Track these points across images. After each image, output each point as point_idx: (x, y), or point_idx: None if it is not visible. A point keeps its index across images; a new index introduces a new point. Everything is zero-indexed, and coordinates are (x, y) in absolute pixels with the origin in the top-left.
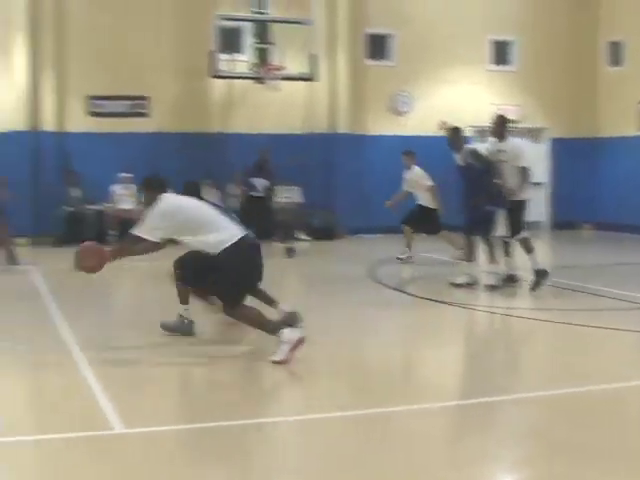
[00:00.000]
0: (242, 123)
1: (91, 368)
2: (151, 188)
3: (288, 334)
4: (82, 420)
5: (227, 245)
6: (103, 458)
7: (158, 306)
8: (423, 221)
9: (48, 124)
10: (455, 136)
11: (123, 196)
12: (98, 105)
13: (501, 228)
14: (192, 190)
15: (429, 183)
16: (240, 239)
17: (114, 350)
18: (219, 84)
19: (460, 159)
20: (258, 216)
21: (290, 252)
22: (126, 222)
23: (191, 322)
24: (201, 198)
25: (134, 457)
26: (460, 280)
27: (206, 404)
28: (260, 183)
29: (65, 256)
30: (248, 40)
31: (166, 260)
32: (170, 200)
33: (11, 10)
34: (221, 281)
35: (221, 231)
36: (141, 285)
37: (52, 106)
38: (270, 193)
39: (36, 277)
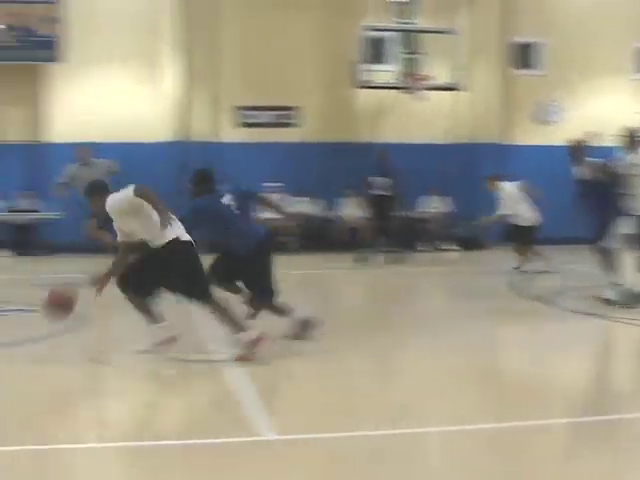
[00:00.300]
0: (388, 132)
1: (243, 373)
2: (99, 193)
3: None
4: (232, 426)
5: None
6: (251, 466)
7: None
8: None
9: (197, 134)
10: (578, 149)
11: None
12: (247, 116)
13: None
14: (205, 177)
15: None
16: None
17: (268, 355)
18: (365, 94)
19: (583, 173)
20: (383, 215)
21: (361, 260)
22: (276, 230)
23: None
24: (214, 186)
25: (283, 465)
26: (607, 294)
27: (351, 412)
28: (380, 182)
29: None
30: (393, 50)
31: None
32: (119, 195)
33: (158, 23)
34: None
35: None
36: (295, 290)
37: (202, 117)
38: (394, 192)
39: None
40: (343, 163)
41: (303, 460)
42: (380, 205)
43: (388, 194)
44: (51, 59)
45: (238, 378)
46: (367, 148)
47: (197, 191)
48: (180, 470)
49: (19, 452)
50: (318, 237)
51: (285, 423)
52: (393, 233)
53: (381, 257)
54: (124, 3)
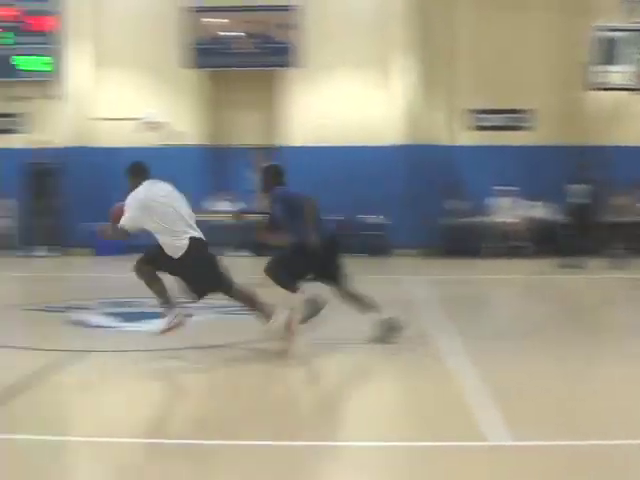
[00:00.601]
0: (622, 135)
1: (472, 378)
2: (133, 174)
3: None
4: (457, 429)
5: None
6: (484, 472)
7: (539, 317)
8: None
9: (429, 138)
10: None
11: (504, 209)
12: (480, 119)
13: None
14: (278, 171)
15: None
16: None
17: (496, 360)
18: (599, 96)
19: None
20: (583, 223)
21: (569, 267)
22: (508, 234)
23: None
24: (282, 181)
25: (520, 473)
26: None
27: (580, 418)
28: (576, 190)
29: (449, 267)
30: (626, 50)
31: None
32: (145, 190)
33: (390, 29)
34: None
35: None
36: (520, 296)
37: (433, 120)
38: (594, 199)
39: (420, 286)
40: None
41: (540, 469)
42: (579, 213)
43: (587, 202)
44: (286, 64)
45: (468, 380)
46: (600, 151)
47: (273, 182)
48: (410, 473)
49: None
50: (550, 241)
51: (519, 427)
52: (603, 239)
53: (588, 263)
54: (358, 10)
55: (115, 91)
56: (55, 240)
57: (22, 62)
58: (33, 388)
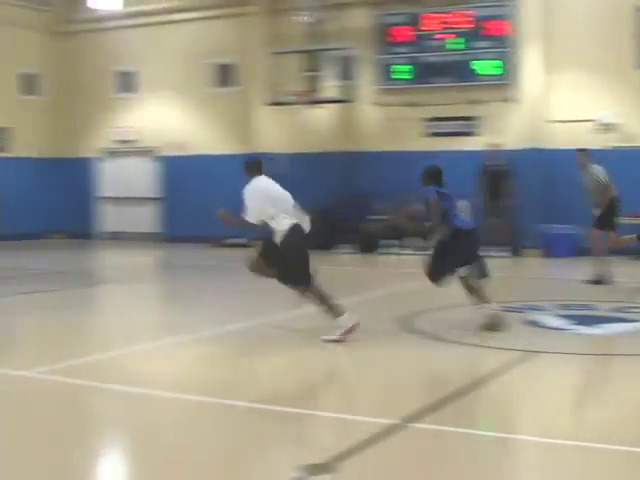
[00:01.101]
0: None
1: None
2: (247, 170)
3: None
4: None
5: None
6: None
7: None
8: None
9: None
10: None
11: None
12: None
13: None
14: (433, 172)
15: None
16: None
17: None
18: None
19: None
20: None
21: None
22: None
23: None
24: (440, 182)
25: None
26: None
27: None
28: None
29: None
30: None
31: None
32: (258, 182)
33: None
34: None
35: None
36: None
37: None
38: None
39: None
40: None
41: None
42: None
43: None
44: None
45: None
46: None
47: (425, 182)
48: None
49: None
50: None
51: None
52: None
53: None
54: None
55: (567, 93)
56: (507, 240)
57: (480, 66)
58: (486, 385)
